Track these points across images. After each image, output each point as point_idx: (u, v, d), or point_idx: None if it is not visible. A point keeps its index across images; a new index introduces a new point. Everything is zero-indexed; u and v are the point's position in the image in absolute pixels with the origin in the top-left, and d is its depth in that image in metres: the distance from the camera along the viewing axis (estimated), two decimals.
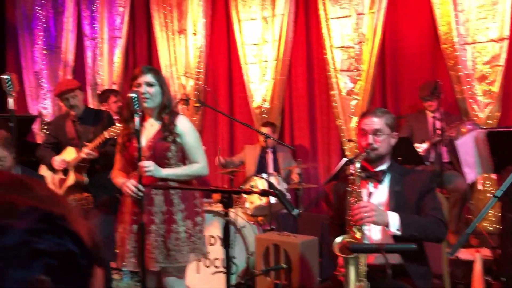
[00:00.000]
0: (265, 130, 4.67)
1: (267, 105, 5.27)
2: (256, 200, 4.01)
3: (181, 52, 5.63)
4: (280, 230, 3.74)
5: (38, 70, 6.17)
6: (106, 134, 3.34)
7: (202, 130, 5.51)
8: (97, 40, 5.92)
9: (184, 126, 2.63)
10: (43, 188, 0.48)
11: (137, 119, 2.45)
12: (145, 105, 2.56)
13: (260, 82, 5.30)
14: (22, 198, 0.45)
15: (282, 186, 4.19)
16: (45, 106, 6.14)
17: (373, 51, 4.79)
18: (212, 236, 3.89)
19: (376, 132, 2.29)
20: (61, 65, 6.08)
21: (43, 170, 3.86)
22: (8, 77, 2.62)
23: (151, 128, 2.64)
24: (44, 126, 5.92)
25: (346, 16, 4.95)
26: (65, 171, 3.72)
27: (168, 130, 2.58)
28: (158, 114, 2.63)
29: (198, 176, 2.68)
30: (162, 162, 2.57)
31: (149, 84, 2.58)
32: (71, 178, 3.63)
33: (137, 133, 2.45)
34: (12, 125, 2.68)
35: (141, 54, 5.86)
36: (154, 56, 5.80)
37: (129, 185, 2.51)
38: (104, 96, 5.02)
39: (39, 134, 5.98)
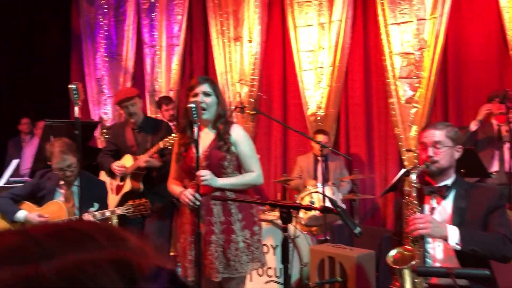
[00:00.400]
0: (320, 138, 4.59)
1: (322, 112, 5.19)
2: (311, 211, 3.94)
3: (236, 59, 5.67)
4: (335, 242, 3.65)
5: (100, 77, 6.42)
6: (161, 144, 3.40)
7: (256, 137, 5.50)
8: (156, 47, 6.08)
9: (238, 135, 2.63)
10: (133, 237, 0.46)
11: (195, 129, 2.47)
12: (203, 115, 2.58)
13: (316, 89, 5.23)
14: (137, 256, 0.42)
15: (337, 196, 4.09)
16: (105, 112, 6.37)
17: (434, 58, 4.60)
18: (265, 245, 3.86)
19: (436, 145, 2.19)
20: (122, 72, 6.29)
21: (103, 176, 3.99)
22: (75, 86, 2.73)
23: (206, 137, 2.65)
24: (104, 131, 6.14)
25: (406, 22, 4.79)
26: (122, 178, 3.82)
27: (223, 139, 2.59)
28: (213, 123, 2.64)
29: (253, 185, 2.67)
30: (218, 171, 2.57)
31: (206, 94, 2.60)
32: (128, 185, 3.72)
33: (196, 143, 2.46)
34: (77, 132, 2.78)
35: (197, 61, 5.95)
36: (210, 63, 5.88)
37: (187, 194, 2.53)
38: (158, 103, 5.15)
39: (99, 139, 6.21)
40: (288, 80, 5.47)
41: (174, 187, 2.70)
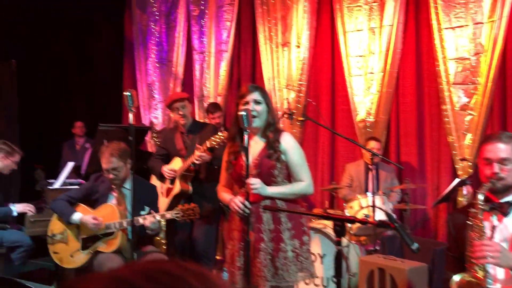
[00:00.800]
0: (372, 145, 4.49)
1: (371, 118, 5.08)
2: None
3: (284, 65, 5.65)
4: (385, 253, 3.56)
5: (151, 82, 6.58)
6: (208, 143, 3.45)
7: (302, 144, 5.45)
8: (205, 53, 6.17)
9: (289, 143, 2.61)
10: (217, 277, 0.45)
11: (246, 137, 2.48)
12: (253, 123, 2.58)
13: (365, 94, 5.13)
14: None
15: (387, 206, 3.99)
16: (156, 116, 6.52)
17: (492, 63, 4.40)
18: (313, 254, 3.81)
19: (503, 161, 2.07)
20: (172, 78, 6.43)
21: (153, 180, 4.09)
22: (129, 93, 2.80)
23: (256, 145, 2.65)
24: (154, 135, 6.29)
25: (462, 26, 4.61)
26: (172, 181, 3.90)
27: (273, 148, 2.58)
28: (263, 132, 2.64)
29: (303, 194, 2.64)
30: (268, 179, 2.57)
31: (257, 102, 2.61)
32: (177, 187, 3.80)
33: (246, 151, 2.47)
34: (131, 138, 2.86)
35: (245, 67, 5.99)
36: (258, 68, 5.90)
37: (237, 201, 2.54)
38: (206, 110, 5.21)
39: (149, 142, 6.36)
40: (337, 86, 5.40)
41: (224, 194, 2.72)
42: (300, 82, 5.51)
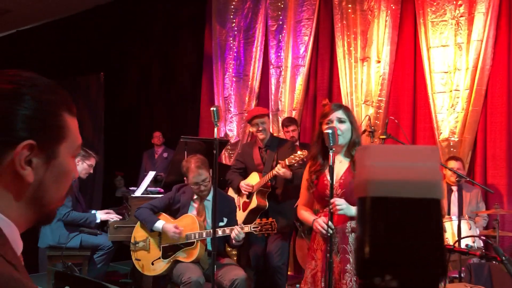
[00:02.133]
0: (452, 164, 4.27)
1: (456, 138, 4.84)
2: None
3: (362, 80, 5.54)
4: (471, 281, 3.34)
5: (227, 96, 6.72)
6: (287, 161, 3.45)
7: None
8: (281, 68, 6.20)
9: None
10: None
11: (331, 155, 2.44)
12: (338, 141, 2.54)
13: (449, 113, 4.90)
14: None
15: (474, 231, 3.75)
16: (231, 129, 6.63)
17: None
18: None
19: None
20: (247, 91, 6.52)
21: (231, 192, 4.14)
22: (215, 109, 2.87)
23: (340, 165, 2.60)
24: (228, 147, 6.40)
25: None
26: (249, 195, 3.94)
27: None
28: (347, 150, 2.59)
29: None
30: (353, 200, 2.50)
31: (341, 121, 2.56)
32: (254, 202, 3.82)
33: (331, 170, 2.43)
34: (215, 151, 2.92)
35: (322, 81, 5.94)
36: (335, 83, 5.83)
37: (320, 221, 2.50)
38: (281, 124, 5.21)
39: (223, 155, 6.47)
40: (419, 103, 5.20)
41: (306, 214, 2.69)
42: (380, 98, 5.38)
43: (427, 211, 0.49)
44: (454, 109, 4.87)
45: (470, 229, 3.71)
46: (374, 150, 0.52)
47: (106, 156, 7.54)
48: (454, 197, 4.36)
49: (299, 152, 3.49)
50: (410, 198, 0.49)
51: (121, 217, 4.48)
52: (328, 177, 2.49)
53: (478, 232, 3.89)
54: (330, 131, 2.45)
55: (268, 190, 3.84)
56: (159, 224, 3.50)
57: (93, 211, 4.55)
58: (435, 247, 0.49)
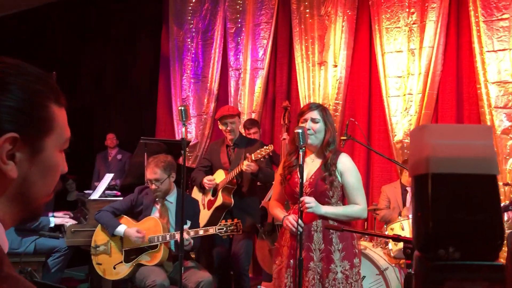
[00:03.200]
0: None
1: (409, 140, 5.04)
2: (401, 243, 3.80)
3: (320, 84, 5.67)
4: None
5: (185, 97, 6.66)
6: (253, 156, 3.47)
7: None
8: (240, 70, 6.23)
9: (346, 165, 2.60)
10: None
11: (301, 154, 2.48)
12: (309, 141, 2.58)
13: (403, 116, 5.10)
14: None
15: None
16: (189, 131, 6.57)
17: None
18: None
19: None
20: (206, 93, 6.49)
21: (195, 193, 4.11)
22: (183, 108, 2.84)
23: (312, 164, 2.65)
24: (187, 149, 6.33)
25: (504, 49, 4.58)
26: (214, 193, 3.92)
27: (328, 170, 2.57)
28: (321, 150, 2.64)
29: (357, 218, 2.63)
30: (322, 199, 2.56)
31: (314, 121, 2.61)
32: (219, 200, 3.81)
33: (301, 168, 2.47)
34: (183, 151, 2.89)
35: (280, 85, 6.01)
36: (293, 86, 5.92)
37: (290, 219, 2.53)
38: (243, 126, 5.22)
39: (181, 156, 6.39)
40: (374, 106, 5.38)
41: (277, 211, 2.71)
42: (336, 101, 5.52)
43: (485, 186, 0.52)
44: (407, 112, 5.08)
45: None
46: (433, 129, 0.55)
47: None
48: (409, 196, 4.53)
49: (265, 146, 3.52)
50: (470, 174, 0.52)
51: (76, 222, 4.32)
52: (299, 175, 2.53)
53: None
54: (299, 130, 2.50)
55: (234, 187, 3.83)
56: (121, 229, 3.42)
57: (50, 214, 4.36)
58: (494, 220, 0.52)
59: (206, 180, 3.83)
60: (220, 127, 3.94)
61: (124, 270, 3.42)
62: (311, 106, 2.66)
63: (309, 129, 2.58)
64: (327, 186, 2.55)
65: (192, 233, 3.28)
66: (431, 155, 0.53)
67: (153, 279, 3.17)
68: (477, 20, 4.70)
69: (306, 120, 2.61)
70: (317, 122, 2.61)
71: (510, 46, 4.56)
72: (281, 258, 2.66)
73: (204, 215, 3.81)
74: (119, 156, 7.00)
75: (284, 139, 5.09)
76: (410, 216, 3.93)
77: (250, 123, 5.17)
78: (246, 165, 3.52)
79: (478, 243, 0.52)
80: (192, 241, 3.27)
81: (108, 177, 4.79)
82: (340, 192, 2.60)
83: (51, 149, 0.81)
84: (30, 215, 0.84)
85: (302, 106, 5.52)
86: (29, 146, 0.78)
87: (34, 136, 0.78)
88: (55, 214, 4.35)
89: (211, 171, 3.97)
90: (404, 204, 4.51)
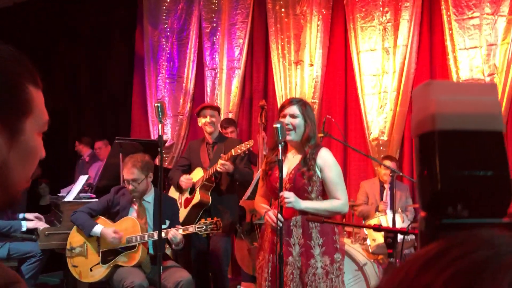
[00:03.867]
0: (388, 164, 4.50)
1: (385, 137, 5.10)
2: (379, 238, 3.84)
3: (296, 83, 5.69)
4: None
5: (161, 98, 6.57)
6: (233, 151, 3.45)
7: None
8: (217, 70, 6.19)
9: (325, 160, 2.60)
10: None
11: (279, 149, 2.47)
12: (288, 136, 2.58)
13: (378, 113, 5.16)
14: None
15: (406, 224, 3.97)
16: (165, 132, 6.49)
17: (507, 84, 4.46)
18: None
19: None
20: (182, 93, 6.43)
21: (172, 192, 4.05)
22: (159, 104, 2.79)
23: (293, 159, 2.64)
24: (163, 150, 6.24)
25: (475, 47, 4.68)
26: (191, 191, 3.87)
27: (306, 165, 2.56)
28: (301, 146, 2.63)
29: (337, 213, 2.63)
30: (302, 195, 2.55)
31: (293, 116, 2.60)
32: (197, 197, 3.76)
33: (280, 163, 2.46)
34: (160, 149, 2.84)
35: (257, 84, 6.01)
36: (270, 86, 5.92)
37: (270, 214, 2.52)
38: (220, 126, 5.17)
39: (158, 157, 6.30)
40: (350, 104, 5.43)
41: (260, 206, 2.70)
42: (313, 100, 5.54)
43: (493, 142, 0.51)
44: (383, 110, 5.14)
45: (403, 221, 3.92)
46: (438, 85, 0.54)
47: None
48: (386, 194, 4.59)
49: (246, 142, 3.49)
50: (476, 130, 0.51)
51: (48, 225, 4.21)
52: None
53: (409, 224, 4.11)
54: (278, 125, 2.48)
55: (212, 185, 3.79)
56: (98, 229, 3.34)
57: (21, 215, 4.23)
58: (502, 176, 0.51)
59: (184, 179, 3.79)
60: (200, 121, 3.88)
61: (100, 272, 3.34)
62: (291, 101, 2.65)
63: (288, 124, 2.57)
64: (305, 181, 2.54)
65: (172, 232, 3.23)
66: (437, 112, 0.52)
67: (132, 280, 3.10)
68: (449, 18, 4.80)
69: (285, 116, 2.60)
70: (296, 117, 2.60)
71: (481, 43, 4.66)
72: (263, 253, 2.65)
73: (182, 213, 3.76)
74: (87, 158, 6.79)
75: (264, 137, 5.08)
76: (388, 211, 3.97)
77: (227, 122, 5.13)
78: (221, 164, 3.49)
79: (487, 200, 0.51)
80: (180, 237, 3.20)
81: (82, 179, 4.68)
82: (320, 187, 2.59)
83: (30, 132, 0.77)
84: (7, 202, 0.80)
85: (279, 105, 5.54)
86: (8, 129, 0.74)
87: (13, 118, 0.75)
88: (26, 215, 4.23)
89: (189, 171, 3.92)
90: (381, 200, 4.56)
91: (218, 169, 3.53)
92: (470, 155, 0.52)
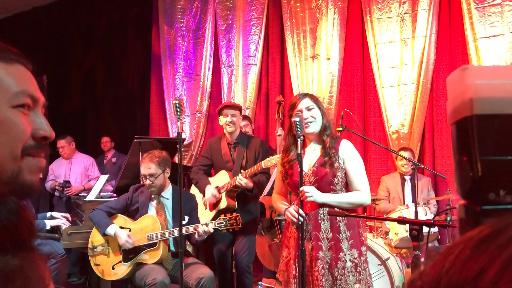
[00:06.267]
0: (406, 155, 4.43)
1: (405, 130, 5.02)
2: (402, 232, 3.78)
3: (313, 77, 5.64)
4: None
5: (178, 96, 6.59)
6: (263, 164, 3.40)
7: None
8: (233, 67, 6.18)
9: (347, 151, 2.57)
10: None
11: (299, 143, 2.44)
12: (309, 129, 2.55)
13: (398, 106, 5.08)
14: None
15: (429, 217, 3.90)
16: (183, 130, 6.51)
17: None
18: None
19: None
20: (199, 92, 6.44)
21: (193, 190, 4.04)
22: (177, 102, 2.78)
23: (313, 153, 2.61)
24: (182, 149, 6.26)
25: (497, 35, 4.57)
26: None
27: (328, 155, 2.53)
28: (319, 136, 2.60)
29: (360, 204, 2.58)
30: (327, 187, 2.52)
31: (309, 108, 2.58)
32: (223, 202, 3.73)
33: (300, 157, 2.43)
34: (179, 146, 2.83)
35: (273, 79, 5.98)
36: (286, 81, 5.88)
37: (291, 210, 2.49)
38: None
39: (177, 156, 6.33)
40: (368, 97, 5.36)
41: (279, 204, 2.67)
42: (330, 94, 5.49)
43: None
44: (402, 102, 5.06)
45: (426, 215, 3.85)
46: (474, 70, 0.51)
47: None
48: (408, 186, 4.52)
49: (276, 156, 3.44)
50: None
51: (70, 224, 4.26)
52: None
53: (433, 217, 4.05)
54: (297, 119, 2.45)
55: (238, 190, 3.75)
56: (111, 229, 3.35)
57: (48, 214, 4.29)
58: None
59: (211, 196, 3.68)
60: (221, 120, 3.84)
61: (123, 270, 3.36)
62: (300, 96, 2.63)
63: (307, 118, 2.54)
64: (329, 171, 2.51)
65: (191, 228, 3.23)
66: (475, 96, 0.50)
67: (154, 277, 3.11)
68: (468, 7, 4.69)
69: (300, 111, 2.57)
70: (313, 109, 2.58)
71: (503, 31, 4.55)
72: (288, 249, 2.62)
73: (207, 216, 3.74)
74: (114, 159, 6.90)
75: (280, 135, 5.05)
76: (410, 204, 3.91)
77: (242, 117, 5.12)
78: (240, 180, 3.48)
79: None
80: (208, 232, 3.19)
81: (103, 179, 4.72)
82: (344, 179, 2.56)
83: None
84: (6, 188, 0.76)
85: None
86: None
87: None
88: (53, 213, 4.29)
89: (210, 170, 3.91)
90: (403, 193, 4.49)
91: (237, 184, 3.51)
92: (510, 140, 0.50)
